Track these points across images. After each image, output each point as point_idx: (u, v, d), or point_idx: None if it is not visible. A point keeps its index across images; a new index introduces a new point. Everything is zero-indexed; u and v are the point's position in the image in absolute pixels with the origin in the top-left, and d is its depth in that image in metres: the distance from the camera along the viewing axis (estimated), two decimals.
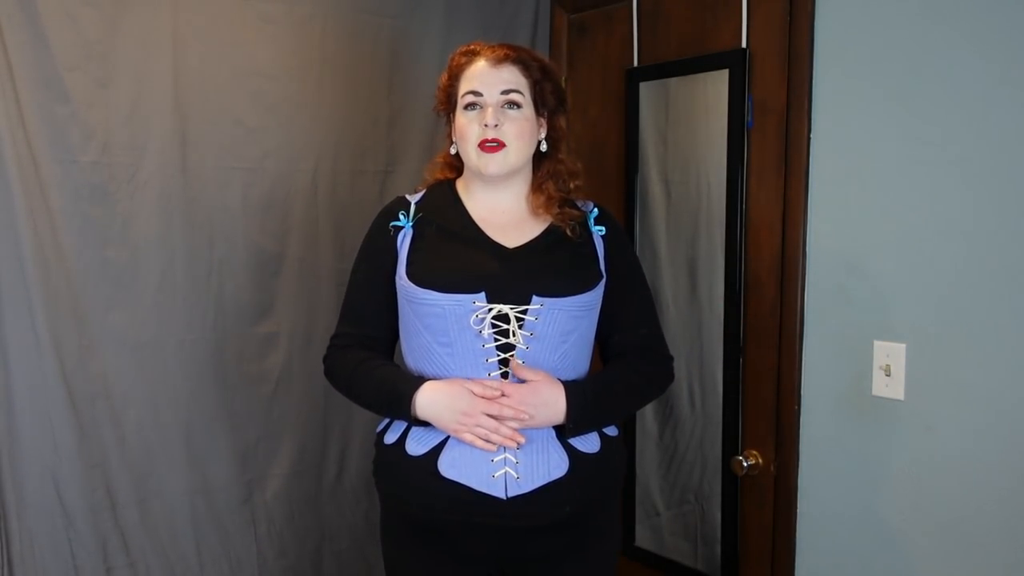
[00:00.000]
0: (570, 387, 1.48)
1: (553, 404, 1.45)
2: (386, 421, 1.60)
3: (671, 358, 1.66)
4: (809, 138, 1.82)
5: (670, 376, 1.66)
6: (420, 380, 1.49)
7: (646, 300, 1.64)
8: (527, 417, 1.42)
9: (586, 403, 1.48)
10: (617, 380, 1.56)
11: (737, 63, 1.92)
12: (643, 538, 2.25)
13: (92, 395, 1.85)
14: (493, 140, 1.48)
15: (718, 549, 2.04)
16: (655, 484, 2.25)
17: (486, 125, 1.48)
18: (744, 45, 1.91)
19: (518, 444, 1.42)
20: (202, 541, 2.02)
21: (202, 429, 2.00)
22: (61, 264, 1.80)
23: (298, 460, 2.15)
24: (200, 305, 1.98)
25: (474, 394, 1.42)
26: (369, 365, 1.54)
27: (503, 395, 1.42)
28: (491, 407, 1.41)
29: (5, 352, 1.75)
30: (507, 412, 1.41)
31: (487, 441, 1.42)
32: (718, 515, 2.03)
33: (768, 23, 1.88)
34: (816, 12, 1.79)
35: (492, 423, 1.41)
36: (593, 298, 1.52)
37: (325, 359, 1.63)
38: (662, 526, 2.26)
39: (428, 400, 1.45)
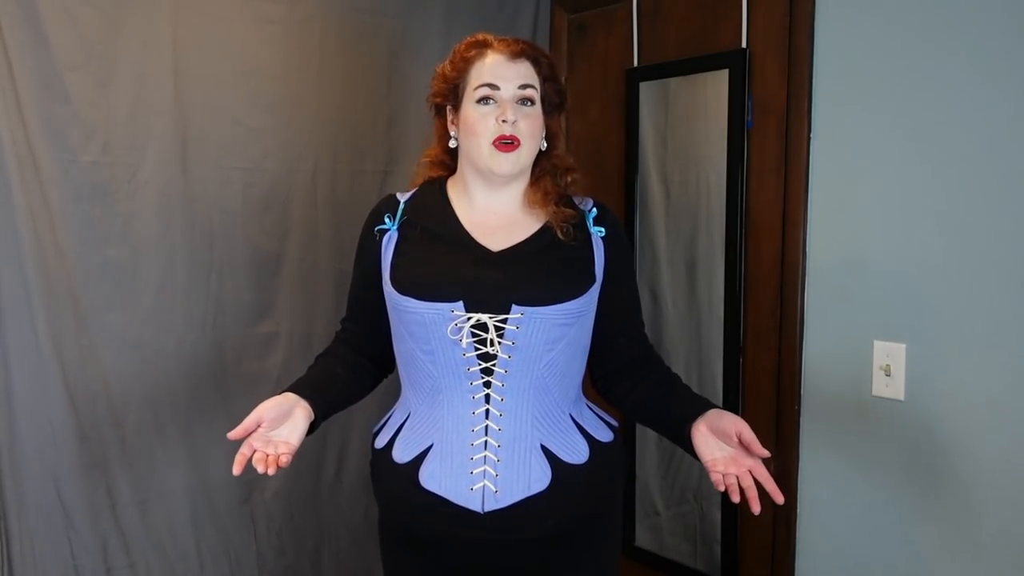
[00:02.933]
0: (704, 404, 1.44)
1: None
2: (381, 422, 1.58)
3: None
4: (809, 138, 1.82)
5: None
6: (290, 389, 1.45)
7: (639, 308, 1.60)
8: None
9: None
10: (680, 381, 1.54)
11: (737, 63, 1.92)
12: (643, 538, 2.26)
13: (92, 395, 1.85)
14: (510, 137, 1.41)
15: (718, 549, 2.04)
16: (655, 484, 2.25)
17: (504, 121, 1.40)
18: (744, 45, 1.92)
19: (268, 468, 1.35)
20: (202, 541, 2.02)
21: (202, 429, 2.00)
22: (61, 264, 1.80)
23: (298, 460, 2.11)
24: (200, 305, 1.98)
25: (254, 415, 1.36)
26: (315, 364, 1.55)
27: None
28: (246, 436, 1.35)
29: (5, 352, 1.75)
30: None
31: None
32: (718, 515, 2.03)
33: (768, 23, 1.88)
34: (816, 12, 1.79)
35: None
36: (582, 305, 1.44)
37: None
38: (662, 526, 2.26)
39: None
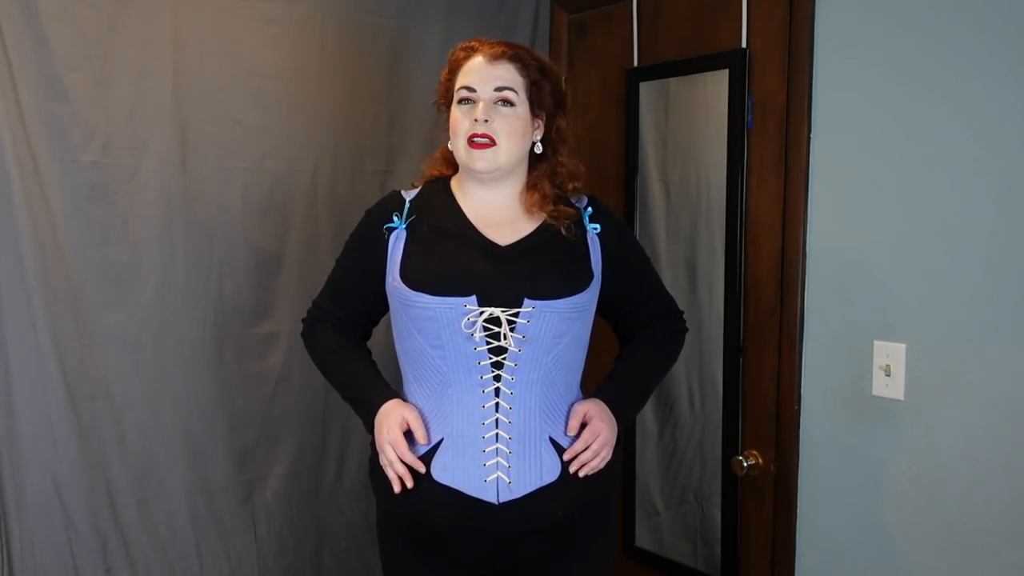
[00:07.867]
0: (606, 396, 1.54)
1: (611, 420, 1.51)
2: None
3: (680, 312, 1.72)
4: (809, 138, 1.82)
5: (683, 331, 1.73)
6: (387, 394, 1.53)
7: (651, 274, 1.68)
8: (608, 452, 1.50)
9: (624, 402, 1.56)
10: (636, 363, 1.63)
11: (737, 63, 1.92)
12: (643, 538, 2.25)
13: (92, 395, 1.85)
14: (483, 135, 1.47)
15: (718, 549, 2.04)
16: (655, 484, 2.25)
17: (476, 120, 1.47)
18: (744, 45, 1.91)
19: (402, 485, 1.47)
20: (202, 541, 2.02)
21: (202, 429, 2.00)
22: (61, 264, 1.80)
23: (298, 460, 2.15)
24: (200, 305, 1.98)
25: (402, 426, 1.46)
26: (344, 355, 1.59)
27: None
28: (404, 453, 1.45)
29: (5, 352, 1.75)
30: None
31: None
32: (718, 515, 2.03)
33: (768, 23, 1.88)
34: (816, 12, 1.79)
35: (391, 455, 1.45)
36: (586, 299, 1.50)
37: (304, 320, 1.67)
38: (662, 526, 2.26)
39: (379, 415, 1.50)
